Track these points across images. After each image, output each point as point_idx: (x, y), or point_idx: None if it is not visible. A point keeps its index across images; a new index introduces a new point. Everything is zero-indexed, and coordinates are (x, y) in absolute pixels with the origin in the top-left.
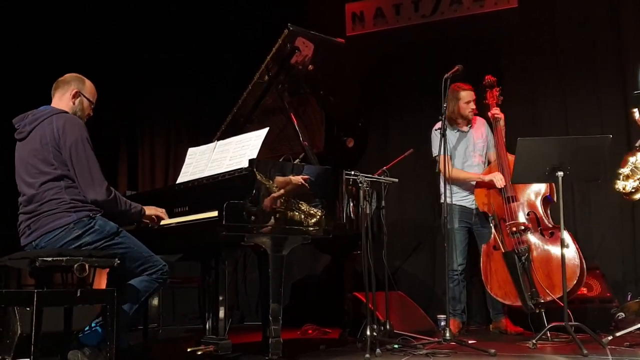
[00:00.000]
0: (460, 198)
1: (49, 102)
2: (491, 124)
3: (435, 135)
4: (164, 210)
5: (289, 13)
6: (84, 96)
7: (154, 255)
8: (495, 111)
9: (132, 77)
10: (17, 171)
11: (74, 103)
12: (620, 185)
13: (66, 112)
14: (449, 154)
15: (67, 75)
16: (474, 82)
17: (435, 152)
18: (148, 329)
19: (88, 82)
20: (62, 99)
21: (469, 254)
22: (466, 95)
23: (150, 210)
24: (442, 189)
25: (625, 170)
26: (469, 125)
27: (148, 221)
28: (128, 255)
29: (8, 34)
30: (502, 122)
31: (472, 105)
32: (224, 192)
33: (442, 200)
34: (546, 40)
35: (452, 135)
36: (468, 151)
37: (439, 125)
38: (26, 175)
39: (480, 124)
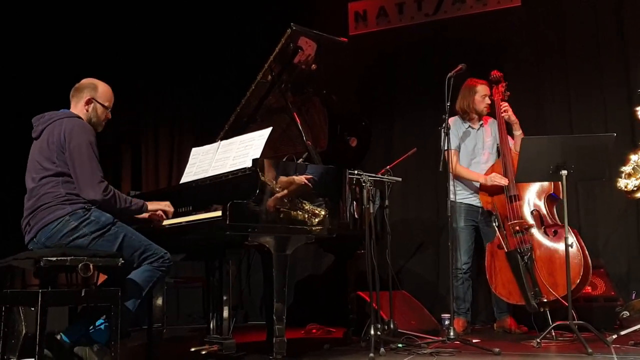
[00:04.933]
0: (466, 196)
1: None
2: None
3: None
4: (168, 202)
5: (291, 12)
6: (98, 102)
7: (153, 244)
8: (502, 105)
9: (135, 77)
10: (27, 168)
11: (87, 110)
12: (622, 183)
13: (79, 117)
14: (457, 149)
15: (83, 81)
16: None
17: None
18: (152, 329)
19: (102, 87)
20: (77, 107)
21: (475, 252)
22: (481, 90)
23: (153, 205)
24: (450, 187)
25: (627, 169)
26: (480, 123)
27: (156, 217)
28: (127, 244)
29: (11, 37)
30: (507, 116)
31: (487, 100)
32: (227, 192)
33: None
34: (550, 38)
35: (462, 130)
36: (477, 148)
37: (451, 121)
38: (32, 171)
39: (492, 123)
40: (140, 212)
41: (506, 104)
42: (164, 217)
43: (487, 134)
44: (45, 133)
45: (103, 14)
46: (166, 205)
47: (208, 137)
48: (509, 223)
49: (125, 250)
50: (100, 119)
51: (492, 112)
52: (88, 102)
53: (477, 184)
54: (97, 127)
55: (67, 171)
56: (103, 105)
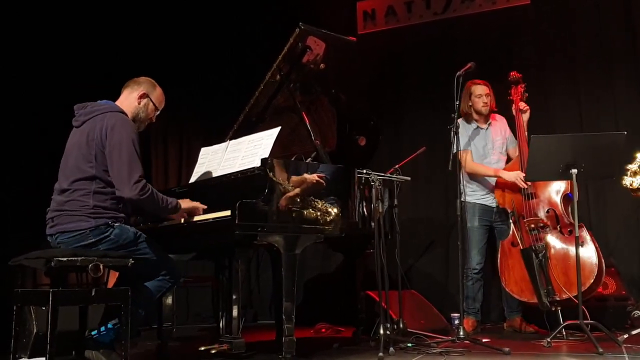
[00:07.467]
0: (481, 196)
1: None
2: (514, 119)
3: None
4: (198, 203)
5: (300, 12)
6: (151, 100)
7: (170, 260)
8: (522, 105)
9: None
10: (64, 156)
11: (139, 103)
12: (627, 181)
13: (122, 112)
14: (469, 148)
15: (142, 78)
16: (486, 80)
17: (454, 149)
18: (162, 328)
19: (159, 89)
20: (129, 98)
21: (488, 252)
22: (477, 89)
23: (185, 203)
24: (461, 188)
25: (633, 167)
26: (488, 123)
27: (181, 218)
28: (145, 262)
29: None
30: (525, 117)
31: (485, 99)
32: (236, 192)
33: (462, 199)
34: (559, 36)
35: (470, 131)
36: (487, 148)
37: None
38: (66, 166)
39: (500, 121)
40: (175, 212)
41: (524, 104)
42: (188, 218)
43: (495, 134)
44: (86, 126)
45: (103, 13)
46: (197, 205)
47: (217, 137)
48: (525, 220)
49: (144, 267)
50: (147, 117)
51: (506, 110)
52: (142, 96)
53: (493, 183)
54: (141, 124)
55: (101, 175)
56: (155, 105)
